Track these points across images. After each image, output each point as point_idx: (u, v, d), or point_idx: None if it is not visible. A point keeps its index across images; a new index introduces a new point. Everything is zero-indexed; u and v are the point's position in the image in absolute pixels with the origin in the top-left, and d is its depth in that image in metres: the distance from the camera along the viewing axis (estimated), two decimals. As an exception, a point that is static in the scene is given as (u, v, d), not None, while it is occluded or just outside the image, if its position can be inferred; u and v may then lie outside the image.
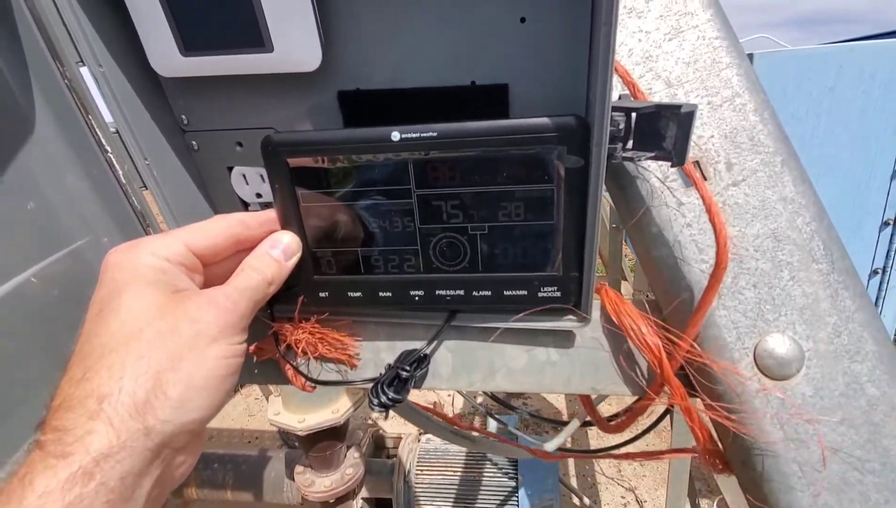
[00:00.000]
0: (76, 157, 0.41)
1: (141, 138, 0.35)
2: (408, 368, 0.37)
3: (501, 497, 1.35)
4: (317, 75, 0.34)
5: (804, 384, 0.33)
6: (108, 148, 0.40)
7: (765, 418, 0.33)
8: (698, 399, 0.35)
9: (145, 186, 0.39)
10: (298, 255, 0.36)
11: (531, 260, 0.35)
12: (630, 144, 0.32)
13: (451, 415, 2.40)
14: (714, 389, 0.34)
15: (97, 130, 0.40)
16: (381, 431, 1.72)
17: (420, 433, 1.54)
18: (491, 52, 0.33)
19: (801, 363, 0.33)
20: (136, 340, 0.27)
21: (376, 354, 0.41)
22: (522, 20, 0.32)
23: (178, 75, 0.35)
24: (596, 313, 0.38)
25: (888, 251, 1.62)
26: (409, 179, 0.33)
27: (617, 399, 2.08)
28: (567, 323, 0.37)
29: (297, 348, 0.39)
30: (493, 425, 1.63)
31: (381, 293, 0.37)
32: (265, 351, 0.41)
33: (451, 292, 0.37)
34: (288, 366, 0.40)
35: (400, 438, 1.56)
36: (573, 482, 2.16)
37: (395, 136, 0.32)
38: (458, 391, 2.01)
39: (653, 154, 0.31)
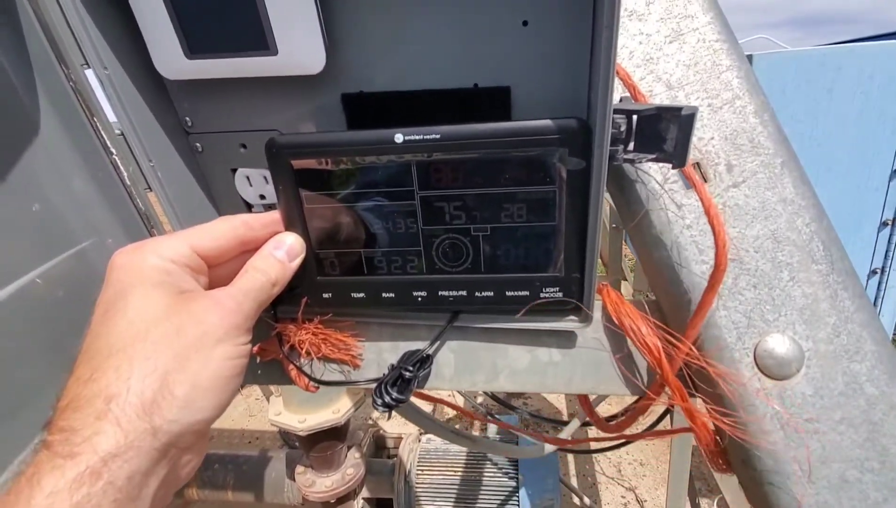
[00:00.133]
0: (81, 159, 0.41)
1: (146, 140, 0.35)
2: (411, 368, 0.37)
3: (502, 497, 1.35)
4: (320, 78, 0.34)
5: (804, 384, 0.34)
6: (113, 150, 0.40)
7: (764, 418, 0.34)
8: (699, 399, 0.36)
9: (150, 188, 0.39)
10: (302, 256, 0.36)
11: (533, 261, 0.35)
12: (631, 146, 0.32)
13: (450, 415, 2.40)
14: (714, 390, 0.35)
15: (102, 132, 0.40)
16: (381, 431, 1.73)
17: (421, 434, 1.54)
18: (493, 55, 0.33)
19: (801, 362, 0.34)
20: (143, 340, 0.27)
21: (379, 354, 0.41)
22: (525, 23, 0.32)
23: (182, 78, 0.35)
24: (597, 314, 0.38)
25: (886, 251, 1.63)
26: (412, 180, 0.33)
27: (617, 399, 2.08)
28: (569, 324, 0.37)
29: (301, 348, 0.39)
30: (492, 426, 1.63)
31: (384, 294, 0.38)
32: (269, 352, 0.42)
33: (454, 293, 0.37)
34: (291, 366, 0.40)
35: (400, 438, 1.57)
36: (573, 481, 2.16)
37: (399, 138, 0.32)
38: (459, 392, 2.01)
39: (654, 156, 0.31)
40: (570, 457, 2.24)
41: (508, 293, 0.36)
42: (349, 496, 1.36)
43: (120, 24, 0.33)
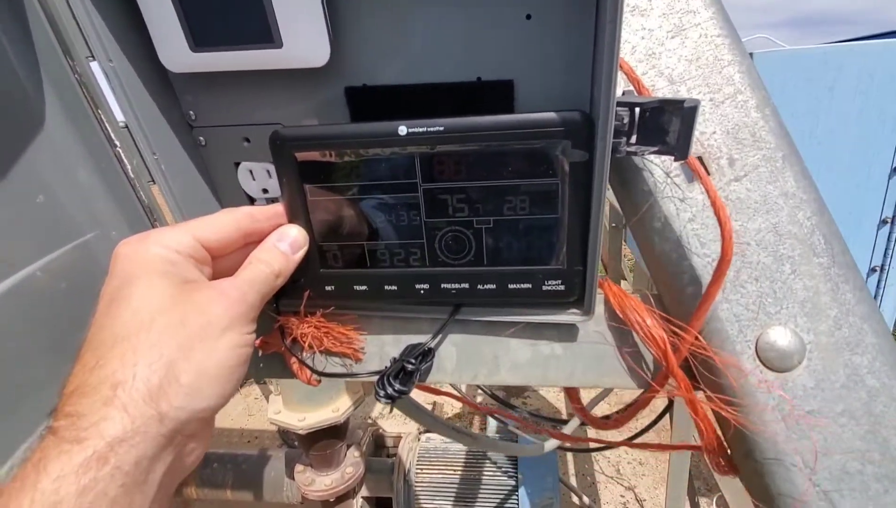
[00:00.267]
0: (86, 151, 0.41)
1: (150, 133, 0.36)
2: (413, 361, 0.37)
3: (501, 496, 1.35)
4: (325, 71, 0.34)
5: (805, 376, 0.34)
6: (118, 143, 0.41)
7: (766, 409, 0.34)
8: (702, 393, 0.36)
9: (153, 181, 0.39)
10: (305, 248, 0.36)
11: (536, 254, 0.35)
12: (634, 138, 0.32)
13: (450, 414, 2.41)
14: (717, 381, 0.35)
15: (107, 124, 0.40)
16: (381, 430, 1.72)
17: (420, 433, 1.55)
18: (497, 49, 0.33)
19: (803, 355, 0.34)
20: (148, 330, 0.27)
21: (381, 348, 0.41)
22: (528, 17, 0.32)
23: (187, 71, 0.35)
24: (599, 308, 0.38)
25: (886, 249, 1.63)
26: (415, 173, 0.34)
27: (613, 399, 2.08)
28: (571, 317, 0.37)
29: (303, 341, 0.39)
30: (492, 425, 1.63)
31: (386, 287, 0.38)
32: (271, 345, 0.42)
33: (456, 286, 0.37)
34: (294, 359, 0.41)
35: (400, 437, 1.56)
36: (573, 480, 2.16)
37: (402, 130, 0.32)
38: (458, 389, 2.01)
39: (656, 148, 0.31)
40: (570, 456, 2.24)
41: (511, 286, 0.36)
42: (348, 494, 1.36)
43: (125, 17, 0.34)
